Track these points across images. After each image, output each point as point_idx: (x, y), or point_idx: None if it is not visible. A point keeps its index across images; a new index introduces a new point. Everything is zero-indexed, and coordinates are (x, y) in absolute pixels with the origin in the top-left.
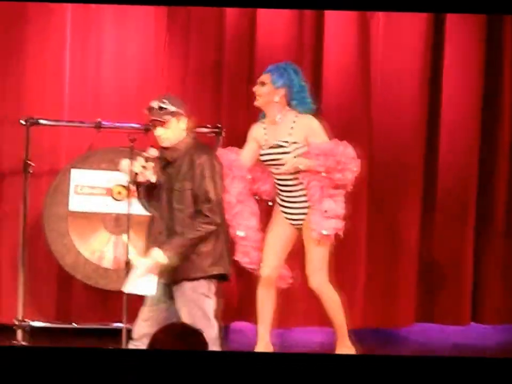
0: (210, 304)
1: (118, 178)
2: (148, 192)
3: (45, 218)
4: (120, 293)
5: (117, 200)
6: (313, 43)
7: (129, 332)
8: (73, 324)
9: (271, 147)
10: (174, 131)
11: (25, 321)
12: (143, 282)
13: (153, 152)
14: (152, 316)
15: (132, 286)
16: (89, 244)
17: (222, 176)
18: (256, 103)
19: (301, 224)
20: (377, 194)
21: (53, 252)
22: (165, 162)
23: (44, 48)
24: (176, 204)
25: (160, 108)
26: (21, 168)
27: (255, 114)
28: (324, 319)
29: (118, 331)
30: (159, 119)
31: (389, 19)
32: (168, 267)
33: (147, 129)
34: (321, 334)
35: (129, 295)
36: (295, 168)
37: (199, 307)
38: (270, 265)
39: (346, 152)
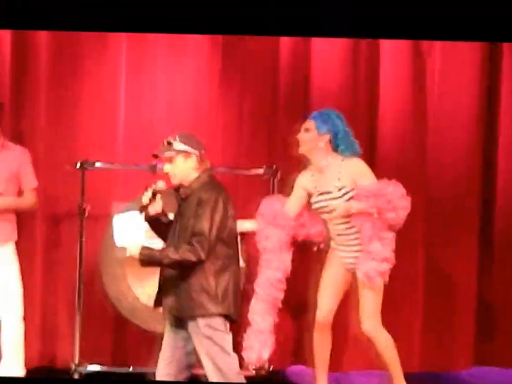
0: (227, 339)
1: None
2: (156, 223)
3: (102, 263)
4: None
5: None
6: (368, 82)
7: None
8: (130, 368)
9: (320, 194)
10: (181, 169)
11: (82, 365)
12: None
13: (161, 185)
14: (173, 355)
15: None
16: (146, 288)
17: (225, 217)
18: (301, 150)
19: (354, 268)
20: (434, 236)
21: (109, 296)
22: (180, 200)
23: (98, 92)
24: (183, 241)
25: (168, 144)
26: (76, 212)
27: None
28: (380, 362)
29: None
30: (162, 155)
31: (444, 51)
32: (178, 305)
33: None
34: (378, 378)
35: None
36: (346, 212)
37: (216, 343)
38: (324, 309)
39: (396, 191)
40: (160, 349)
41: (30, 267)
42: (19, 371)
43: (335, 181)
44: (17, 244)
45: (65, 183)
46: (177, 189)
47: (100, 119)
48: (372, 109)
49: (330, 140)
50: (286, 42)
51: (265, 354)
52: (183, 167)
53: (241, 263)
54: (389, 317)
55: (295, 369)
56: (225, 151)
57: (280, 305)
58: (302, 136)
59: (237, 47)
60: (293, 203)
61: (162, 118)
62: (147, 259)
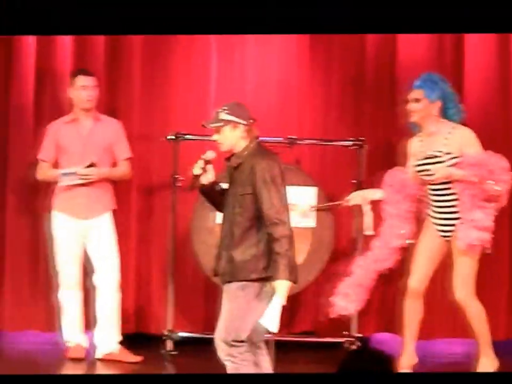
0: (257, 307)
1: None
2: (210, 192)
3: (194, 231)
4: None
5: None
6: (453, 55)
7: None
8: None
9: (426, 157)
10: (228, 138)
11: (174, 332)
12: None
13: (210, 154)
14: None
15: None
16: None
17: (284, 181)
18: (413, 119)
19: (451, 236)
20: None
21: (201, 264)
22: (231, 168)
23: (190, 68)
24: (237, 208)
25: (216, 114)
26: (169, 183)
27: (397, 128)
28: (466, 331)
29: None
30: (207, 125)
31: None
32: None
33: (291, 143)
34: (464, 345)
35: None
36: (447, 177)
37: (240, 308)
38: (418, 277)
39: (500, 164)
40: None
41: (125, 236)
42: (115, 337)
43: (442, 146)
44: (114, 213)
45: (159, 154)
46: (228, 158)
47: (191, 93)
48: (457, 79)
49: (440, 106)
50: None
51: (353, 308)
52: (231, 137)
53: (371, 232)
54: (476, 287)
55: (380, 337)
56: (314, 124)
57: (384, 271)
58: (413, 106)
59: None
60: (411, 171)
61: (252, 91)
62: (289, 274)
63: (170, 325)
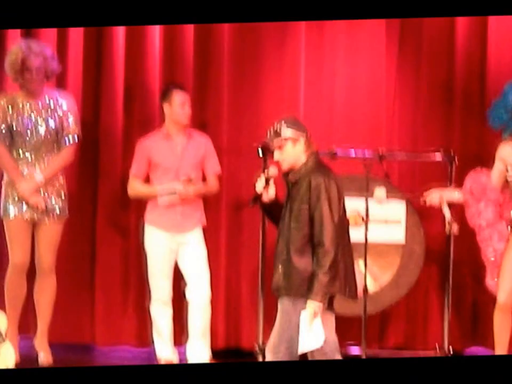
0: (318, 322)
1: (353, 206)
2: (275, 211)
3: None
4: (356, 319)
5: (353, 228)
6: None
7: None
8: None
9: None
10: (290, 154)
11: (265, 347)
12: (311, 336)
13: (273, 171)
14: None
15: (306, 344)
16: None
17: (340, 199)
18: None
19: None
20: None
21: None
22: (289, 184)
23: (279, 79)
24: (294, 223)
25: (276, 133)
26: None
27: (487, 136)
28: None
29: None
30: (271, 143)
31: None
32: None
33: (381, 157)
34: None
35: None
36: None
37: (290, 321)
38: (506, 290)
39: None
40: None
41: (215, 251)
42: (205, 352)
43: None
44: (203, 229)
45: (248, 168)
46: (285, 174)
47: (280, 106)
48: None
49: None
50: (462, 23)
51: None
52: (293, 152)
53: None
54: None
55: (474, 351)
56: (402, 136)
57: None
58: None
59: (413, 31)
60: (495, 176)
61: (341, 104)
62: (323, 296)
63: (261, 339)
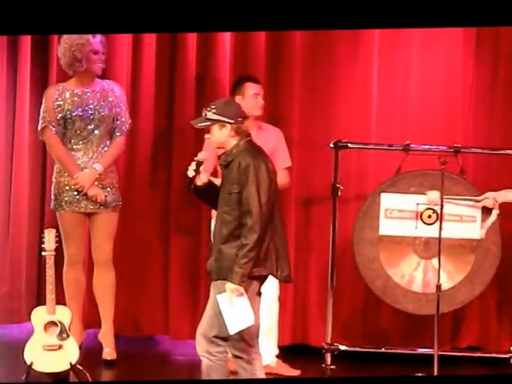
0: (243, 301)
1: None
2: (205, 192)
3: (355, 243)
4: (429, 318)
5: (427, 224)
6: None
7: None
8: (383, 348)
9: None
10: (218, 137)
11: (334, 345)
12: (240, 316)
13: (202, 155)
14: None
15: (234, 325)
16: (399, 268)
17: (270, 180)
18: None
19: None
20: None
21: (362, 276)
22: (222, 167)
23: (352, 73)
24: (224, 206)
25: (205, 114)
26: (329, 192)
27: None
28: None
29: (426, 357)
30: (195, 125)
31: None
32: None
33: (456, 151)
34: None
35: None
36: None
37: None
38: None
39: None
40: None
41: None
42: (273, 350)
43: None
44: None
45: (319, 163)
46: (219, 157)
47: (353, 100)
48: None
49: None
50: None
51: None
52: (219, 135)
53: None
54: None
55: None
56: (477, 133)
57: None
58: None
59: (490, 29)
60: None
61: (415, 98)
62: (243, 276)
63: (329, 338)
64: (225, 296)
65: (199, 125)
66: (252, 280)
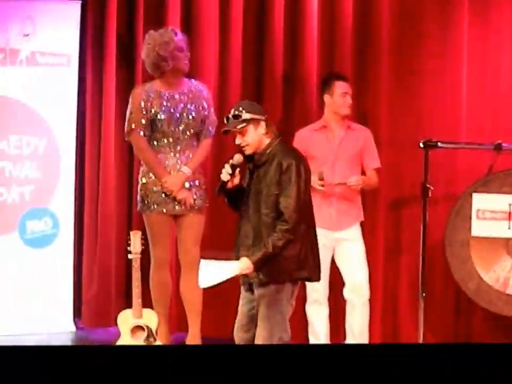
0: (289, 309)
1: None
2: (235, 194)
3: (447, 244)
4: None
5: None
6: None
7: None
8: None
9: None
10: (253, 137)
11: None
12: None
13: (238, 158)
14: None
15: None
16: (492, 270)
17: (308, 181)
18: None
19: None
20: None
21: (455, 278)
22: (253, 166)
23: (441, 70)
24: (264, 209)
25: (235, 117)
26: (419, 192)
27: None
28: None
29: None
30: (234, 128)
31: None
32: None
33: None
34: None
35: None
36: None
37: (280, 311)
38: None
39: None
40: None
41: (373, 248)
42: None
43: None
44: (361, 225)
45: (408, 163)
46: (248, 157)
47: (443, 98)
48: None
49: None
50: None
51: None
52: (255, 135)
53: None
54: None
55: None
56: None
57: None
58: None
59: None
60: None
61: (506, 95)
62: (259, 265)
63: (421, 340)
64: (235, 265)
65: (238, 127)
66: (295, 284)
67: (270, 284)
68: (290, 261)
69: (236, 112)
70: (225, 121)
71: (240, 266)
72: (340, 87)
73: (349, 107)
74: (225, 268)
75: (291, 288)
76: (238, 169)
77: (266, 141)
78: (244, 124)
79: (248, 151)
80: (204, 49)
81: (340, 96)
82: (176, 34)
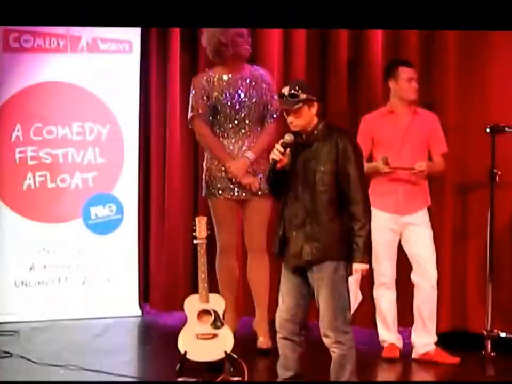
0: (347, 286)
1: None
2: (281, 177)
3: None
4: None
5: None
6: None
7: None
8: None
9: None
10: (306, 117)
11: (494, 332)
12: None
13: (290, 137)
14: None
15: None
16: None
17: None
18: None
19: None
20: None
21: None
22: (302, 146)
23: (508, 55)
24: (320, 186)
25: (292, 96)
26: (486, 178)
27: None
28: None
29: None
30: (291, 108)
31: None
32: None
33: None
34: None
35: None
36: None
37: (340, 289)
38: None
39: None
40: None
41: (440, 233)
42: (431, 337)
43: None
44: (429, 210)
45: (476, 148)
46: (296, 136)
47: (509, 82)
48: None
49: None
50: None
51: None
52: (307, 115)
53: None
54: None
55: None
56: None
57: None
58: None
59: None
60: None
61: None
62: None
63: (489, 324)
64: (355, 277)
65: (296, 107)
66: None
67: (326, 262)
68: (338, 240)
69: (293, 91)
70: (280, 99)
71: (359, 274)
72: (405, 73)
73: (415, 92)
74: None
75: (345, 265)
76: (288, 148)
77: (315, 121)
78: (300, 104)
79: (297, 129)
80: (266, 35)
81: (405, 82)
82: None
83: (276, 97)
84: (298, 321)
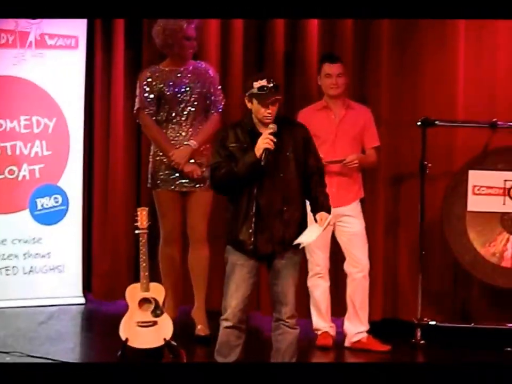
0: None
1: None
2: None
3: (444, 218)
4: None
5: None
6: None
7: None
8: (472, 323)
9: None
10: (275, 110)
11: (424, 320)
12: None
13: (275, 127)
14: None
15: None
16: (488, 243)
17: None
18: None
19: None
20: None
21: (452, 251)
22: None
23: (439, 50)
24: (294, 171)
25: (276, 87)
26: (417, 169)
27: None
28: None
29: None
30: (280, 97)
31: None
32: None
33: None
34: None
35: None
36: None
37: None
38: None
39: None
40: None
41: (373, 225)
42: (364, 325)
43: None
44: (362, 201)
45: (407, 141)
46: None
47: (440, 77)
48: None
49: None
50: None
51: None
52: (276, 108)
53: None
54: None
55: None
56: None
57: None
58: None
59: None
60: None
61: (502, 75)
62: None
63: (419, 313)
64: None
65: (278, 97)
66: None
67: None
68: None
69: (275, 83)
70: (261, 92)
71: (326, 223)
72: (325, 69)
73: (335, 88)
74: (313, 227)
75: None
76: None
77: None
78: (279, 98)
79: (271, 120)
80: (205, 26)
81: (325, 77)
82: (190, 21)
83: (219, 90)
84: (247, 310)
